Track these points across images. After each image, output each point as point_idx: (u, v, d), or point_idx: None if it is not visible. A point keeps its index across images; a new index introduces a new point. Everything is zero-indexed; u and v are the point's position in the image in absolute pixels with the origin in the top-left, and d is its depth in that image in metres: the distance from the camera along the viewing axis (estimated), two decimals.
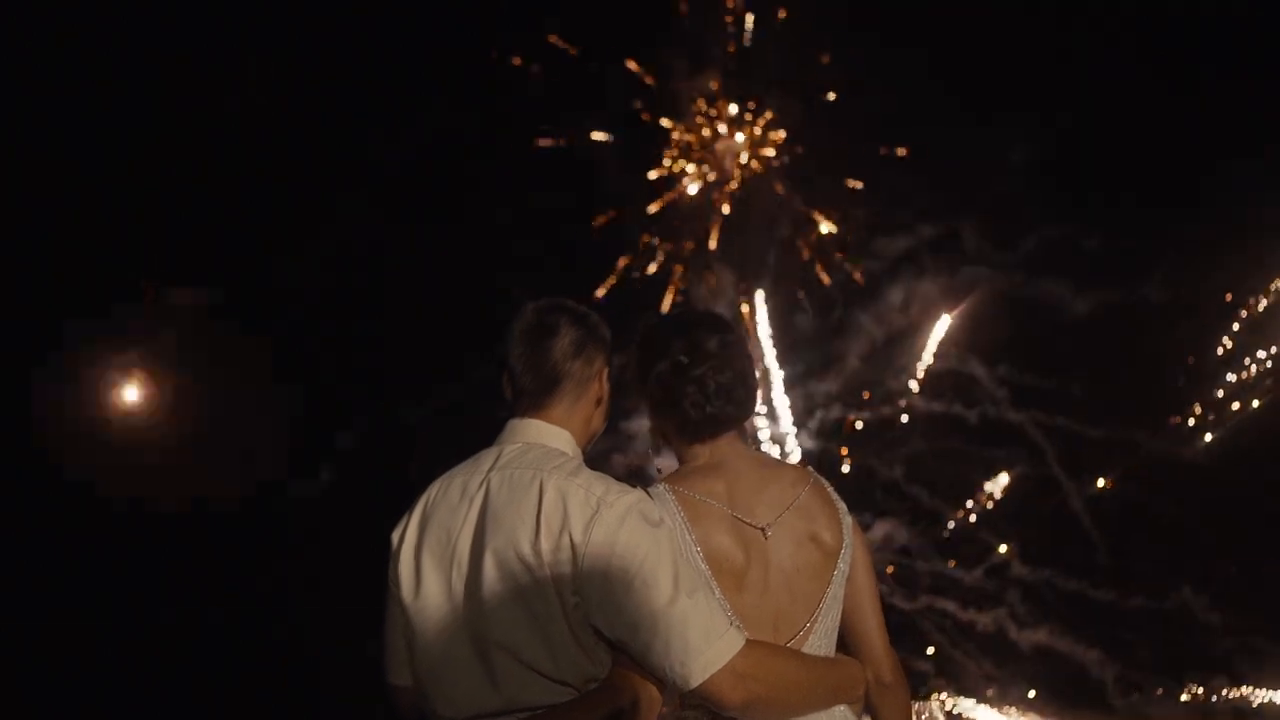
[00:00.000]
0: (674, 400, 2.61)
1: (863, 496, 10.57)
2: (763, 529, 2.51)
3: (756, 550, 2.51)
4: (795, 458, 10.38)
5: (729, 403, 2.59)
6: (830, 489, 2.63)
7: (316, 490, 9.99)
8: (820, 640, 2.55)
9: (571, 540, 2.32)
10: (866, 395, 10.85)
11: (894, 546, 10.39)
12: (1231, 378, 10.65)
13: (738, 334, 2.66)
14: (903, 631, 10.28)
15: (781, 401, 10.46)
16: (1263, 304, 10.64)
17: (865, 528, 10.28)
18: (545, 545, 2.33)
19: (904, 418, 10.83)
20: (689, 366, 2.59)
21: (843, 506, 2.63)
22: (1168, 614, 10.28)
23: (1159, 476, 10.52)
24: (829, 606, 2.56)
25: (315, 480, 9.98)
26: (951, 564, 10.43)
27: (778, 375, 10.52)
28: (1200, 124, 10.17)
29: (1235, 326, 10.64)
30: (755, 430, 10.29)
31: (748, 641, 2.32)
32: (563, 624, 2.33)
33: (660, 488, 2.54)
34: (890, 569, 10.39)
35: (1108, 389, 10.59)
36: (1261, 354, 10.59)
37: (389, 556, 2.56)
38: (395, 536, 2.56)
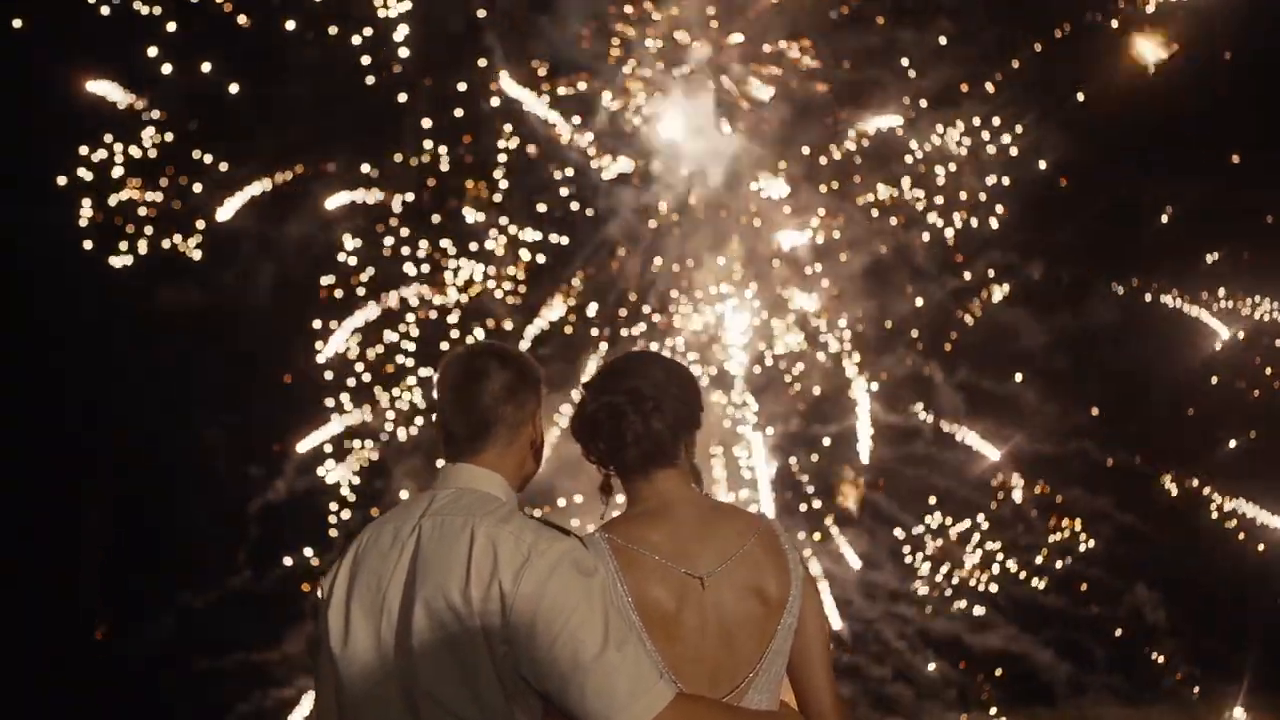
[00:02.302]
0: (579, 438, 2.55)
1: (826, 505, 10.49)
2: (700, 578, 2.37)
3: (693, 600, 2.37)
4: (760, 470, 10.27)
5: (622, 445, 2.47)
6: (783, 538, 2.49)
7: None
8: (760, 694, 2.40)
9: (501, 589, 2.20)
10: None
11: (856, 554, 10.32)
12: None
13: (670, 381, 2.51)
14: (865, 637, 10.21)
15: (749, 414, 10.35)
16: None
17: (826, 537, 10.39)
18: (475, 594, 2.21)
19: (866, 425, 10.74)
20: (588, 403, 2.52)
21: (795, 557, 2.48)
22: (1121, 616, 10.33)
23: (1113, 482, 10.52)
24: (771, 660, 2.41)
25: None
26: (910, 569, 10.40)
27: (742, 389, 10.38)
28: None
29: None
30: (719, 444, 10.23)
31: (678, 694, 2.20)
32: (491, 674, 2.20)
33: (596, 535, 2.41)
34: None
35: (1064, 398, 10.60)
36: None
37: (320, 605, 2.43)
38: (326, 584, 2.43)
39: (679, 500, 2.47)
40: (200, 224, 9.62)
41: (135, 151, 9.48)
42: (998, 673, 10.26)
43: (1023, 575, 10.45)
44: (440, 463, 2.51)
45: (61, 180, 9.26)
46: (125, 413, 8.92)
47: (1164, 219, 10.58)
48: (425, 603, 2.25)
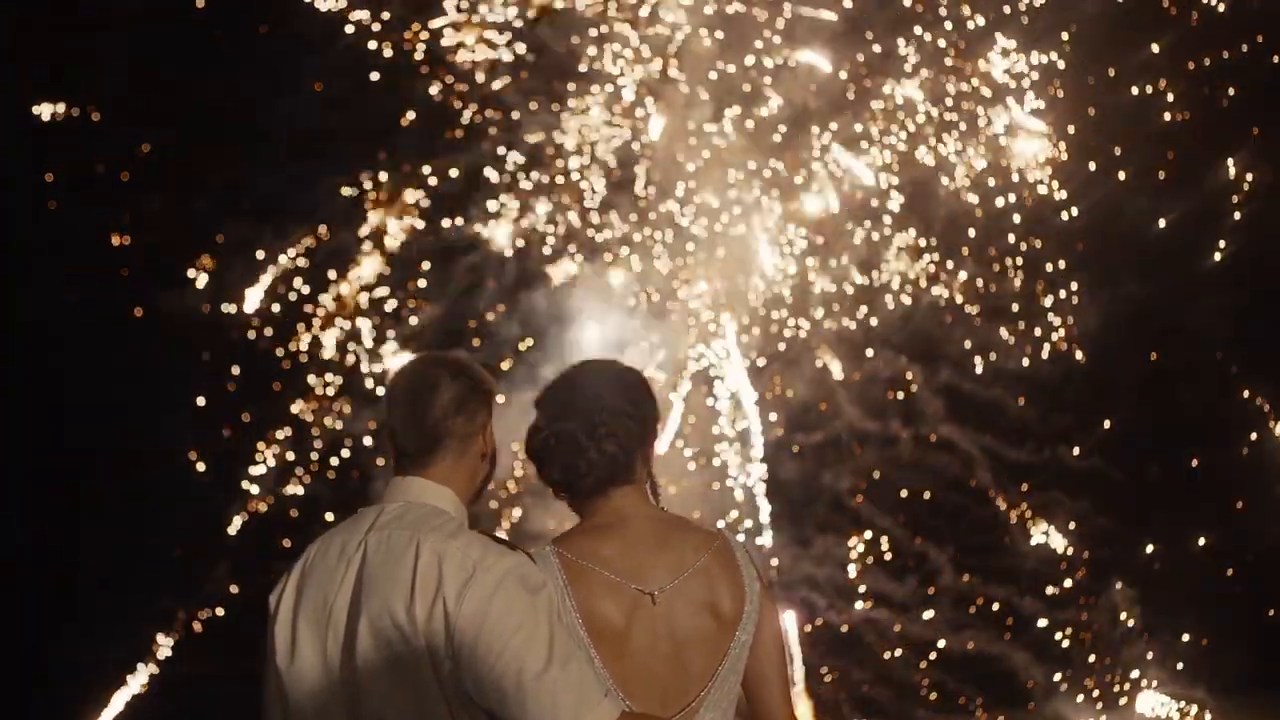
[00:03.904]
0: (534, 462, 2.45)
1: (805, 512, 10.40)
2: (652, 594, 2.28)
3: (643, 617, 2.27)
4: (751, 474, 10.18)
5: (577, 476, 2.37)
6: (741, 553, 2.39)
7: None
8: (712, 713, 2.32)
9: (445, 606, 2.11)
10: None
11: (834, 561, 10.24)
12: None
13: (623, 396, 2.41)
14: (845, 642, 10.11)
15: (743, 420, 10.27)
16: None
17: (805, 543, 10.31)
18: (420, 611, 2.13)
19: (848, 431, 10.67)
20: (540, 430, 2.41)
21: (752, 573, 2.38)
22: (1095, 618, 10.27)
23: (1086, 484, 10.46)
24: (724, 678, 2.32)
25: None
26: (891, 573, 10.32)
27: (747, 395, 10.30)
28: None
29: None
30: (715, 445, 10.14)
31: (624, 713, 2.14)
32: (437, 693, 2.12)
33: (546, 549, 2.32)
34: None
35: (1042, 402, 10.56)
36: None
37: (267, 620, 2.34)
38: (273, 599, 2.34)
39: (633, 515, 2.37)
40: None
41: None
42: (975, 675, 10.18)
43: (1000, 577, 10.37)
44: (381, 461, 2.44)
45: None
46: (120, 418, 8.78)
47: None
48: (370, 620, 2.17)
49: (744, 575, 2.37)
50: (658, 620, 2.28)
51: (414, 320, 10.03)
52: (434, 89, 9.96)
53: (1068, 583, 10.30)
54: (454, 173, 10.11)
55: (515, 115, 10.03)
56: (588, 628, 2.24)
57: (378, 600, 2.17)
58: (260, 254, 9.63)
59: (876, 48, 10.34)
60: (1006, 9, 10.32)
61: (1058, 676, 10.12)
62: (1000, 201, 10.53)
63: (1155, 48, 10.33)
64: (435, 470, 2.34)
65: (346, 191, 9.87)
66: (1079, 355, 10.56)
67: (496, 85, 10.02)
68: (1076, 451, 10.42)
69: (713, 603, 2.32)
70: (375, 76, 9.81)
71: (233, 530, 9.19)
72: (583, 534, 2.36)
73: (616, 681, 2.24)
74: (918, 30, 10.32)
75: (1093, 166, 10.47)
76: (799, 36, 10.21)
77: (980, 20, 10.34)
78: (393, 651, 2.14)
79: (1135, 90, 10.36)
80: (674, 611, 2.29)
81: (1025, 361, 10.50)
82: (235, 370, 9.54)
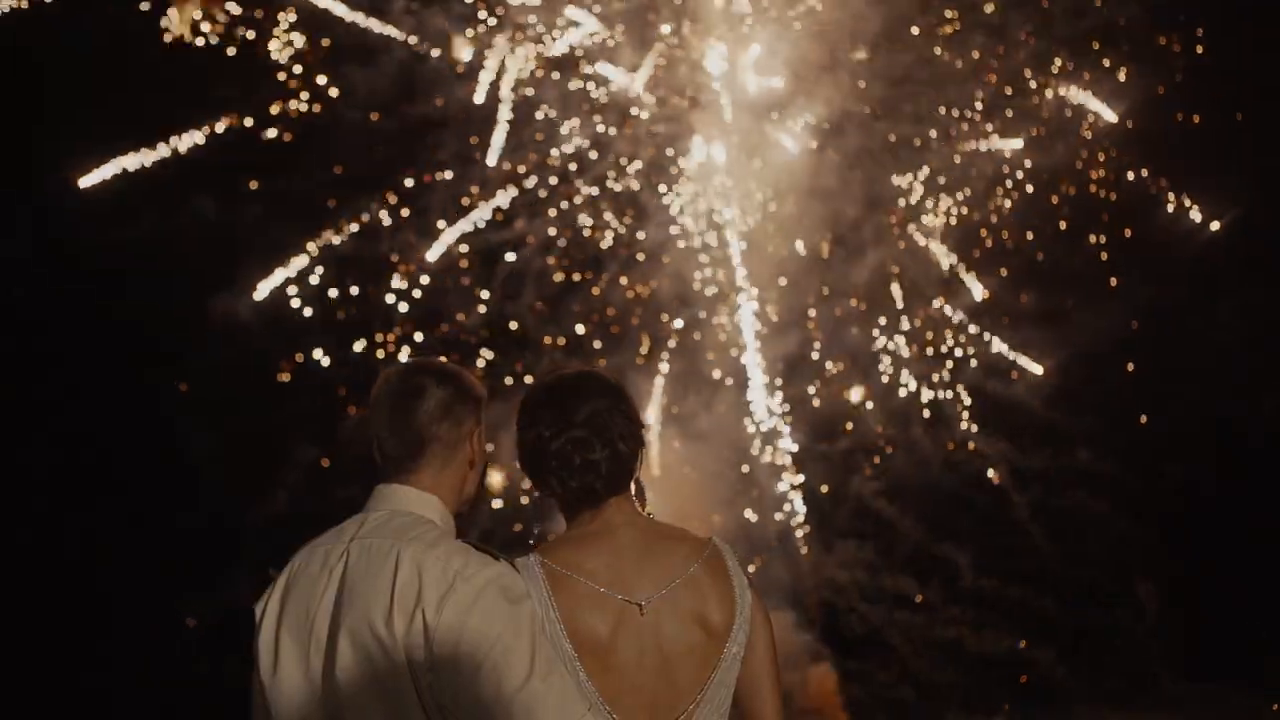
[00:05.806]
0: (540, 473, 2.29)
1: (830, 516, 10.26)
2: (639, 605, 2.15)
3: (630, 628, 2.14)
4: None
5: (597, 478, 2.23)
6: (732, 563, 2.26)
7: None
8: None
9: (424, 617, 1.99)
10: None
11: (862, 564, 10.09)
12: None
13: (617, 399, 2.28)
14: (869, 644, 9.96)
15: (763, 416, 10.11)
16: None
17: (829, 548, 10.15)
18: (399, 623, 2.01)
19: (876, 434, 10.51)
20: (550, 439, 2.25)
21: (742, 582, 2.24)
22: (1117, 620, 10.09)
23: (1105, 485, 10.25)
24: (714, 691, 2.18)
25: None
26: (915, 575, 10.16)
27: (760, 388, 10.14)
28: None
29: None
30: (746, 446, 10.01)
31: None
32: (417, 707, 2.01)
33: (531, 559, 2.19)
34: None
35: (1063, 405, 10.38)
36: None
37: (253, 630, 2.23)
38: (259, 609, 2.23)
39: (621, 524, 2.24)
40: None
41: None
42: (1000, 675, 10.01)
43: (1023, 579, 10.19)
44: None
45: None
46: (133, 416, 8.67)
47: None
48: (350, 632, 2.05)
49: (735, 585, 2.23)
50: (645, 632, 2.15)
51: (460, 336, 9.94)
52: (475, 97, 9.85)
53: (1090, 583, 10.13)
54: (500, 175, 10.00)
55: (556, 124, 9.94)
56: (572, 640, 2.12)
57: (358, 611, 2.06)
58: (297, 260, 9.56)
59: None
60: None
61: (1081, 676, 9.93)
62: (1009, 208, 10.40)
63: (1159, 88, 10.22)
64: (421, 478, 2.22)
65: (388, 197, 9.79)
66: (1098, 360, 10.41)
67: (535, 92, 9.93)
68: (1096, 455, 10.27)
69: (702, 614, 2.18)
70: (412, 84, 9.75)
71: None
72: (568, 543, 2.23)
73: (602, 695, 2.11)
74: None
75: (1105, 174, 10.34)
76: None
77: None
78: (373, 663, 2.03)
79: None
80: (662, 623, 2.16)
81: (1045, 367, 10.38)
82: (276, 380, 9.46)
